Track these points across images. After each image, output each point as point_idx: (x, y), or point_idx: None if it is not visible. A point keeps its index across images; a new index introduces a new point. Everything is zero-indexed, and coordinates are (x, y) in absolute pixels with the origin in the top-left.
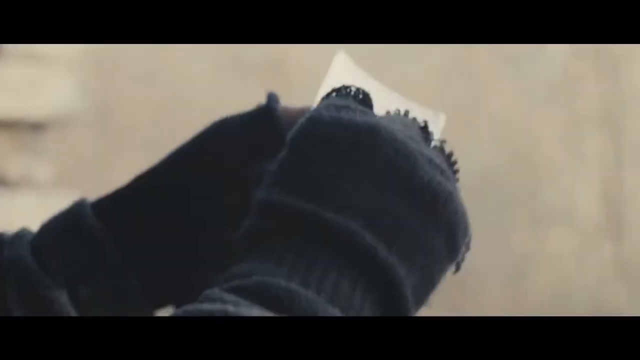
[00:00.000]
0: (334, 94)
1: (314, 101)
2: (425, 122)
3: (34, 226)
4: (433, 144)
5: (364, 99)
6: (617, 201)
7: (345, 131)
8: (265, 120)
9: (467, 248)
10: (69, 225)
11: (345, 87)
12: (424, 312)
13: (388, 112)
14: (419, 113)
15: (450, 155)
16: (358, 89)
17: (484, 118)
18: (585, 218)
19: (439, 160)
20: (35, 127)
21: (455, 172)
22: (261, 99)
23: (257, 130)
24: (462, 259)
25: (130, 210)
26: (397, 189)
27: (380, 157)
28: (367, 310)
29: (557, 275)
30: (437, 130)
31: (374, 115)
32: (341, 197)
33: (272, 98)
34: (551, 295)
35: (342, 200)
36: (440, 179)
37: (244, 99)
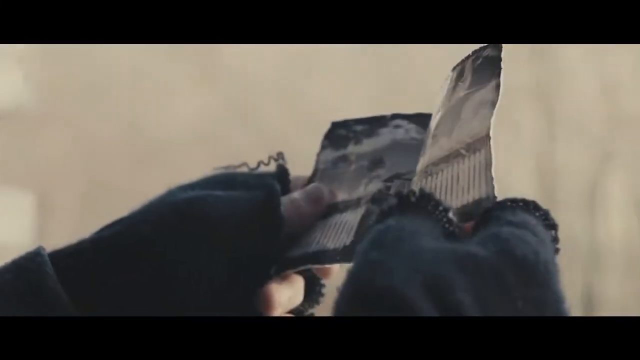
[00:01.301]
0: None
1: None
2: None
3: None
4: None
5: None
6: (550, 176)
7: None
8: (266, 211)
9: None
10: (30, 287)
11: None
12: None
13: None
14: None
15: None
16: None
17: (413, 88)
18: (519, 193)
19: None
20: None
21: None
22: (196, 80)
23: (253, 224)
24: None
25: (92, 271)
26: None
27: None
28: None
29: None
30: None
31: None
32: None
33: (276, 193)
34: None
35: None
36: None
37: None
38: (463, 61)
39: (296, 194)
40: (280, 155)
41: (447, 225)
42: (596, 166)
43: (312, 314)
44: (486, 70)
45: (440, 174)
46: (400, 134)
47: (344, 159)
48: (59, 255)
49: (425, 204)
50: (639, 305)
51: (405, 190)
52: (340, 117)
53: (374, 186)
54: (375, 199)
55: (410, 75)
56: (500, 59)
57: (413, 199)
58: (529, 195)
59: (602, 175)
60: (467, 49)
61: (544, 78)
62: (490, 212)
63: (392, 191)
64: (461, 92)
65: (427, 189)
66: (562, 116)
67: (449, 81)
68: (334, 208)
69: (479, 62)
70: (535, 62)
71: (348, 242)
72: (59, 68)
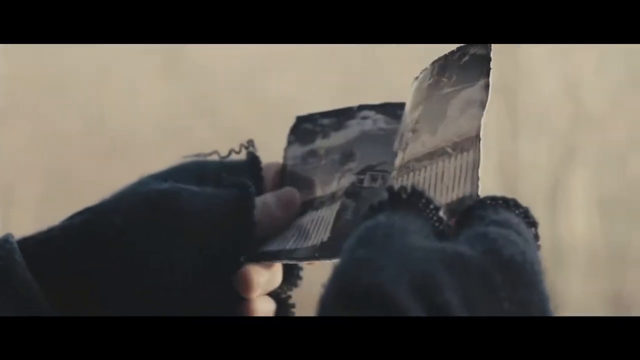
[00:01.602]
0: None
1: None
2: (536, 229)
3: None
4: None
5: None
6: (513, 174)
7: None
8: (239, 211)
9: None
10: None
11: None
12: None
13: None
14: None
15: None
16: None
17: (375, 86)
18: (481, 191)
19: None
20: None
21: None
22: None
23: (226, 222)
24: None
25: (62, 258)
26: None
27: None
28: None
29: None
30: None
31: (532, 244)
32: None
33: (249, 189)
34: None
35: None
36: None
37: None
38: (446, 56)
39: (269, 197)
40: (250, 142)
41: (437, 224)
42: (559, 165)
43: (290, 297)
44: (474, 69)
45: (423, 170)
46: (368, 125)
47: (313, 153)
48: (28, 243)
49: (416, 202)
50: (601, 304)
51: (396, 186)
52: (304, 111)
53: (347, 180)
54: (349, 192)
55: (373, 73)
56: (489, 59)
57: (404, 195)
58: (492, 193)
59: (565, 174)
60: (431, 48)
61: (507, 76)
62: (472, 211)
63: (365, 184)
64: (446, 89)
65: (419, 187)
66: (525, 115)
67: (426, 75)
68: (309, 205)
69: (465, 59)
70: (498, 60)
71: (325, 238)
72: (24, 61)
